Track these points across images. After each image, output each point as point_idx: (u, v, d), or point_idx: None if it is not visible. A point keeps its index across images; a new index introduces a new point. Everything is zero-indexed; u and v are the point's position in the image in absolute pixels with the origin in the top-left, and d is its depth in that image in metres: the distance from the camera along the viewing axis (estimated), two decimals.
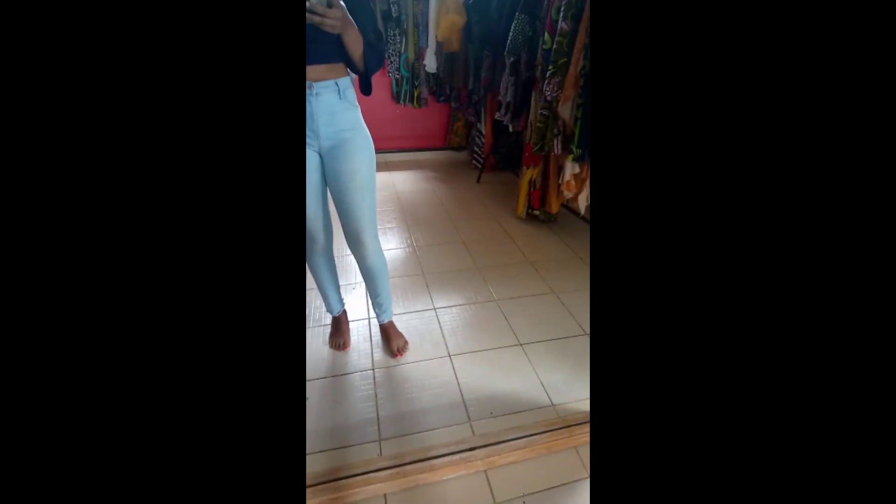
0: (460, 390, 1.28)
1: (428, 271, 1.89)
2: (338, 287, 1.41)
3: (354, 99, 1.07)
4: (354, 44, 0.96)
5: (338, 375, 1.33)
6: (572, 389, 1.28)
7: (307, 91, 0.98)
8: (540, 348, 1.44)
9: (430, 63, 2.83)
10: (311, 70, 0.97)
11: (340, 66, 1.02)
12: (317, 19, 0.85)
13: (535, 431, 1.11)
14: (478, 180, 2.93)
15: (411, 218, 2.40)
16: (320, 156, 1.08)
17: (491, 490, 1.00)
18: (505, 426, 1.15)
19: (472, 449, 1.06)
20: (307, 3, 0.83)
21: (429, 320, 1.57)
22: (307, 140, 1.05)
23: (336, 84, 1.01)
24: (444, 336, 1.50)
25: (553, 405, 1.23)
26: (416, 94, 3.03)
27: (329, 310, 1.43)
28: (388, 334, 1.43)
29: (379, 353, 1.42)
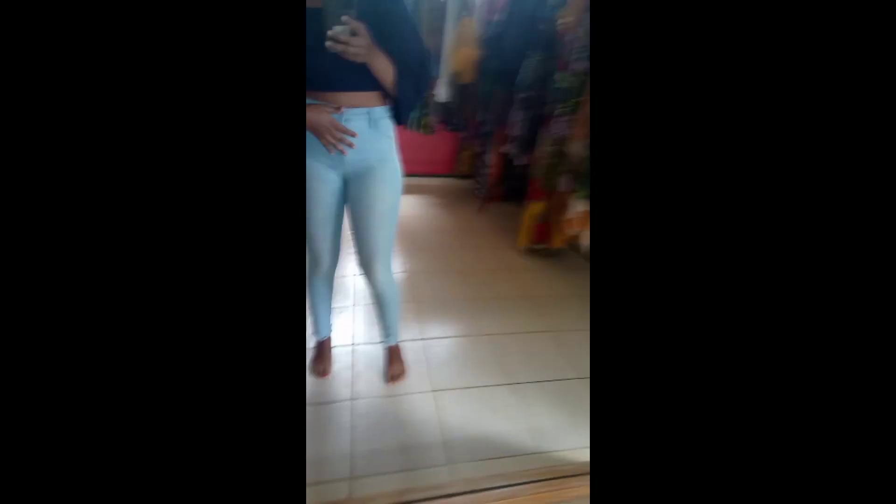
0: (441, 429, 1.19)
1: (421, 299, 1.83)
2: (330, 310, 1.35)
3: (389, 129, 1.02)
4: (383, 73, 0.92)
5: (314, 404, 1.25)
6: (563, 437, 1.19)
7: (338, 116, 0.94)
8: (531, 390, 1.36)
9: (441, 93, 2.87)
10: (344, 96, 0.94)
11: (375, 94, 0.97)
12: (339, 48, 0.82)
13: (521, 481, 1.02)
14: (480, 209, 2.91)
15: (410, 243, 2.36)
16: (344, 181, 1.05)
17: None
18: (488, 472, 1.07)
19: (450, 496, 0.97)
20: (329, 31, 0.81)
21: (417, 352, 1.50)
22: (331, 163, 1.01)
23: (368, 113, 0.97)
24: (429, 369, 1.42)
25: (541, 453, 1.14)
26: (423, 122, 3.06)
27: (315, 332, 1.36)
28: (391, 358, 1.39)
29: (360, 384, 1.34)
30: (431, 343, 1.55)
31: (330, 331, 1.39)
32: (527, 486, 1.00)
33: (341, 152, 0.97)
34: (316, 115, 0.94)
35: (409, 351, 1.49)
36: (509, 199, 3.07)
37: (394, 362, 1.38)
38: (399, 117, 1.03)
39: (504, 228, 2.65)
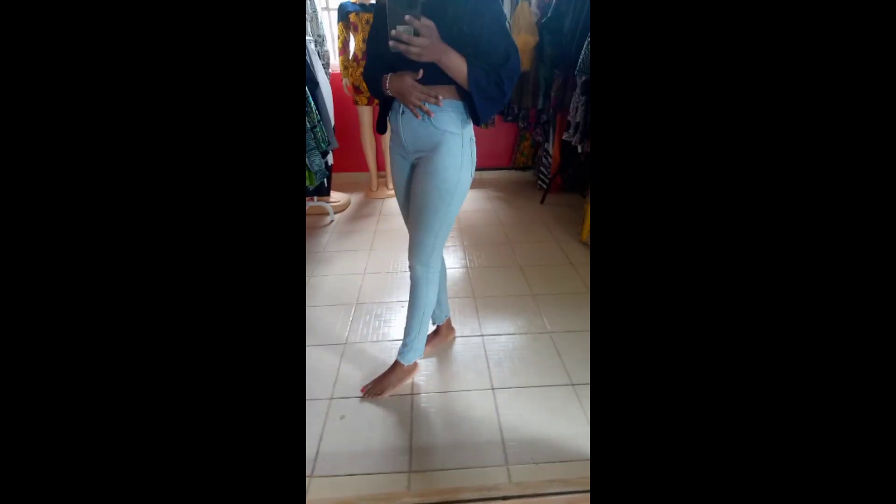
0: (500, 428, 1.18)
1: (479, 295, 1.82)
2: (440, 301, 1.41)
3: (450, 125, 1.01)
4: (454, 70, 0.91)
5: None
6: None
7: (398, 107, 1.03)
8: None
9: None
10: None
11: (439, 88, 0.96)
12: (402, 47, 0.84)
13: (580, 489, 0.98)
14: (542, 201, 2.82)
15: (469, 238, 2.35)
16: (412, 166, 1.12)
17: None
18: (545, 477, 1.04)
19: (505, 498, 0.96)
20: (392, 31, 0.82)
21: (475, 347, 1.50)
22: (401, 151, 1.10)
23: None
24: (489, 366, 1.41)
25: None
26: None
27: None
28: (389, 371, 1.31)
29: (420, 378, 1.37)
30: (490, 339, 1.54)
31: (441, 319, 1.46)
32: (585, 494, 0.96)
33: (427, 114, 0.99)
34: (399, 80, 0.97)
35: (468, 346, 1.50)
36: (572, 190, 2.95)
37: (386, 376, 1.29)
38: (476, 116, 1.00)
39: (567, 220, 2.54)
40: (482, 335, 1.57)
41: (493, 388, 1.32)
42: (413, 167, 1.12)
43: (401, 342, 1.30)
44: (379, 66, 1.02)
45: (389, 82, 0.98)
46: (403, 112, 1.02)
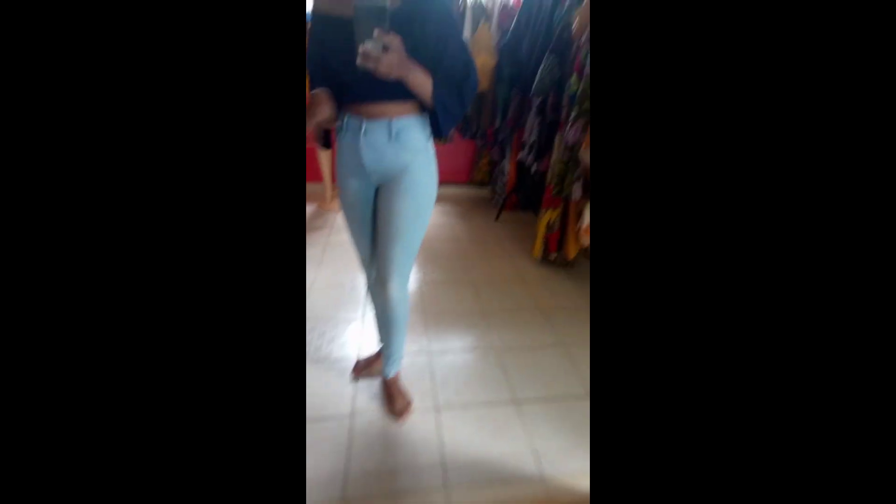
0: (441, 450, 1.15)
1: (430, 311, 1.80)
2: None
3: (416, 141, 0.98)
4: (419, 87, 0.89)
5: (311, 420, 1.24)
6: (567, 460, 1.13)
7: (358, 128, 0.96)
8: (536, 408, 1.30)
9: None
10: (366, 108, 0.94)
11: (402, 104, 0.94)
12: (370, 65, 0.79)
13: None
14: (496, 218, 2.86)
15: (423, 253, 2.34)
16: (376, 190, 1.06)
17: None
18: (485, 498, 1.02)
19: None
20: (360, 47, 0.78)
21: (421, 365, 1.47)
22: (357, 172, 1.03)
23: (389, 124, 0.95)
24: (434, 384, 1.39)
25: (542, 477, 1.09)
26: None
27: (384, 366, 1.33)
28: (391, 391, 1.29)
29: (362, 400, 1.32)
30: (437, 356, 1.52)
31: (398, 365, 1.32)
32: None
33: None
34: (321, 105, 0.91)
35: (414, 364, 1.47)
36: (526, 208, 3.00)
37: (397, 395, 1.28)
38: (438, 131, 0.99)
39: (520, 237, 2.59)
40: (430, 352, 1.54)
41: (435, 408, 1.29)
42: (377, 189, 1.06)
43: (386, 362, 1.29)
44: (328, 81, 0.95)
45: (315, 97, 0.92)
46: (366, 132, 0.96)
